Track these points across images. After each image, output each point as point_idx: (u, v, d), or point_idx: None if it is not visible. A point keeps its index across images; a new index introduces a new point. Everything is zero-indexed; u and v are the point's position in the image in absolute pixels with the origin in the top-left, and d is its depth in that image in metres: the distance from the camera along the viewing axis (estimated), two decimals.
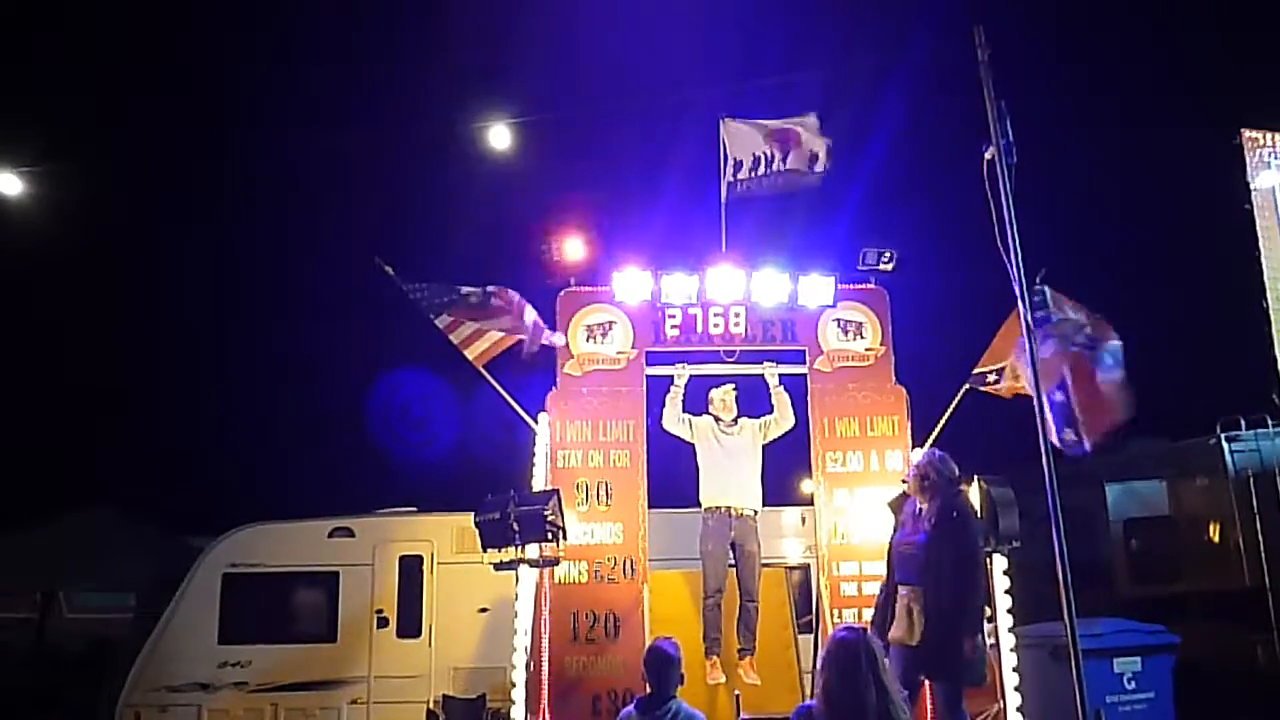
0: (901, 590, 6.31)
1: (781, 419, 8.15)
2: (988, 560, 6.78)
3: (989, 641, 6.67)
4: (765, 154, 8.65)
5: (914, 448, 8.09)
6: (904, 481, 6.64)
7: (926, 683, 6.53)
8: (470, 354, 8.07)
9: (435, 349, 8.03)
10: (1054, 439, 6.94)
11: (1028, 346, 6.29)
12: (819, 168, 8.55)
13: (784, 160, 8.54)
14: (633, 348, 8.42)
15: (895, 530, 6.65)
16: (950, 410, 8.15)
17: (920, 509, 6.39)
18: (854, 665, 3.93)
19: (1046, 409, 6.12)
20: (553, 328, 8.33)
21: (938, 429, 8.11)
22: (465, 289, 7.93)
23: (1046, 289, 7.78)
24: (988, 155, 6.45)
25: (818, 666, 4.08)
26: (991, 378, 8.14)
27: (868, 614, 7.56)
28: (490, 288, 7.97)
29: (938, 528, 6.20)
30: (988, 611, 6.71)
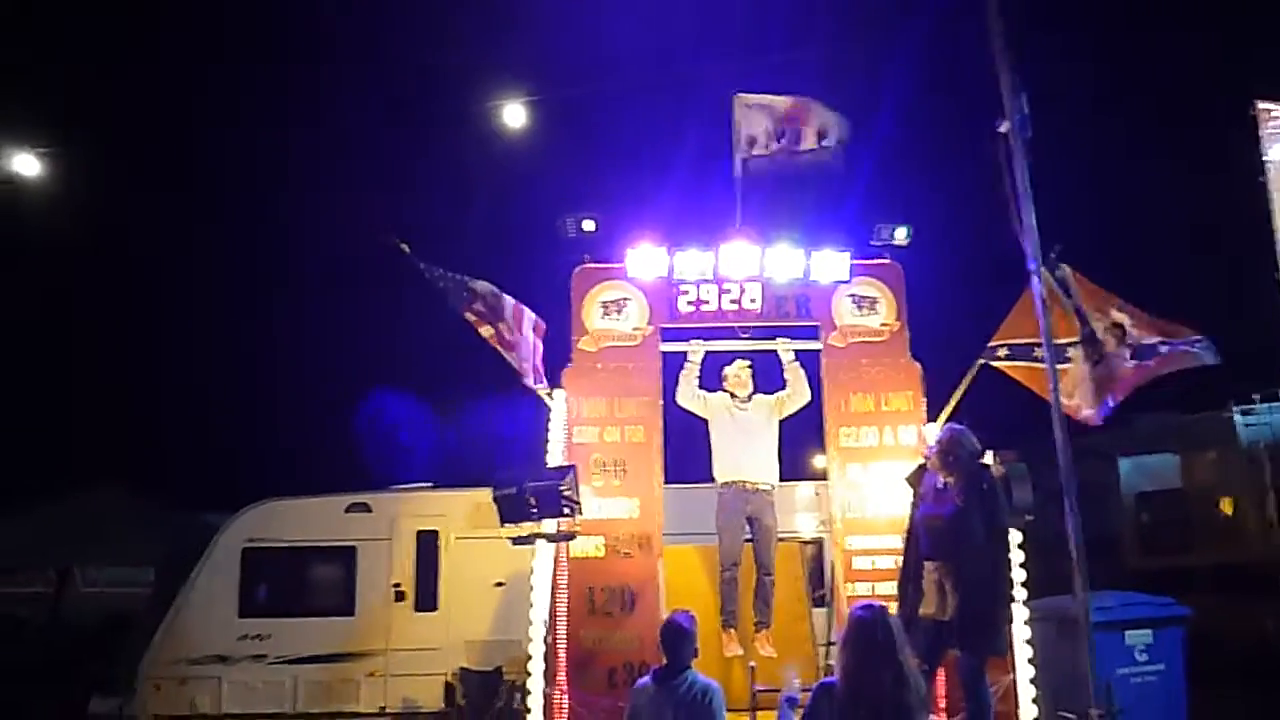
0: (929, 565, 6.31)
1: (796, 394, 8.17)
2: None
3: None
4: (779, 131, 8.61)
5: (928, 423, 8.11)
6: (926, 456, 6.63)
7: (947, 656, 6.54)
8: (484, 333, 8.08)
9: (451, 323, 8.04)
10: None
11: (1041, 322, 6.31)
12: (830, 142, 8.51)
13: (798, 140, 8.50)
14: (648, 324, 8.43)
15: (915, 505, 6.65)
16: (964, 386, 8.15)
17: (944, 483, 6.39)
18: (872, 645, 3.98)
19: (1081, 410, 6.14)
20: (566, 304, 8.35)
21: (952, 404, 8.11)
22: (480, 285, 7.90)
23: (1066, 269, 7.77)
24: (1002, 129, 6.44)
25: (838, 646, 4.12)
26: (1003, 352, 8.14)
27: (881, 587, 7.62)
28: (509, 303, 7.96)
29: (967, 501, 6.21)
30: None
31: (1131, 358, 7.60)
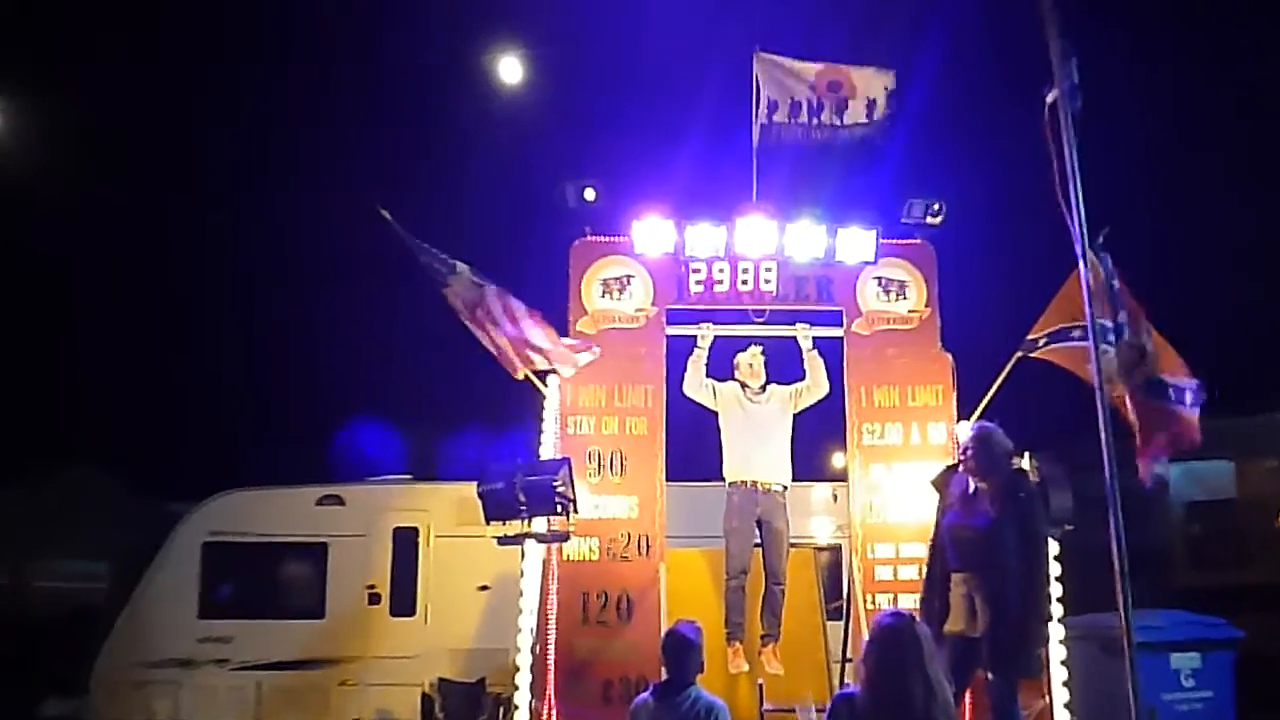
0: (958, 577, 6.29)
1: (814, 386, 8.16)
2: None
3: None
4: (810, 101, 8.56)
5: (959, 421, 8.09)
6: (961, 459, 6.57)
7: (976, 677, 6.53)
8: (464, 317, 8.02)
9: (434, 302, 8.02)
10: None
11: (1088, 311, 6.27)
12: (878, 115, 8.45)
13: (837, 113, 8.44)
14: (652, 305, 8.41)
15: (943, 512, 6.62)
16: (1000, 380, 8.12)
17: (974, 488, 6.37)
18: (900, 654, 3.97)
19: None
20: (563, 281, 8.33)
21: (986, 399, 8.09)
22: (462, 271, 7.83)
23: (1109, 258, 7.72)
24: (1049, 99, 6.39)
25: (861, 654, 4.11)
26: (1043, 341, 8.11)
27: (904, 600, 7.63)
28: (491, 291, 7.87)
29: (1000, 508, 6.19)
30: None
31: (1172, 400, 7.54)
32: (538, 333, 7.86)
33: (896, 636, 4.03)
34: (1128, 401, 7.36)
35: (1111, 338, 7.48)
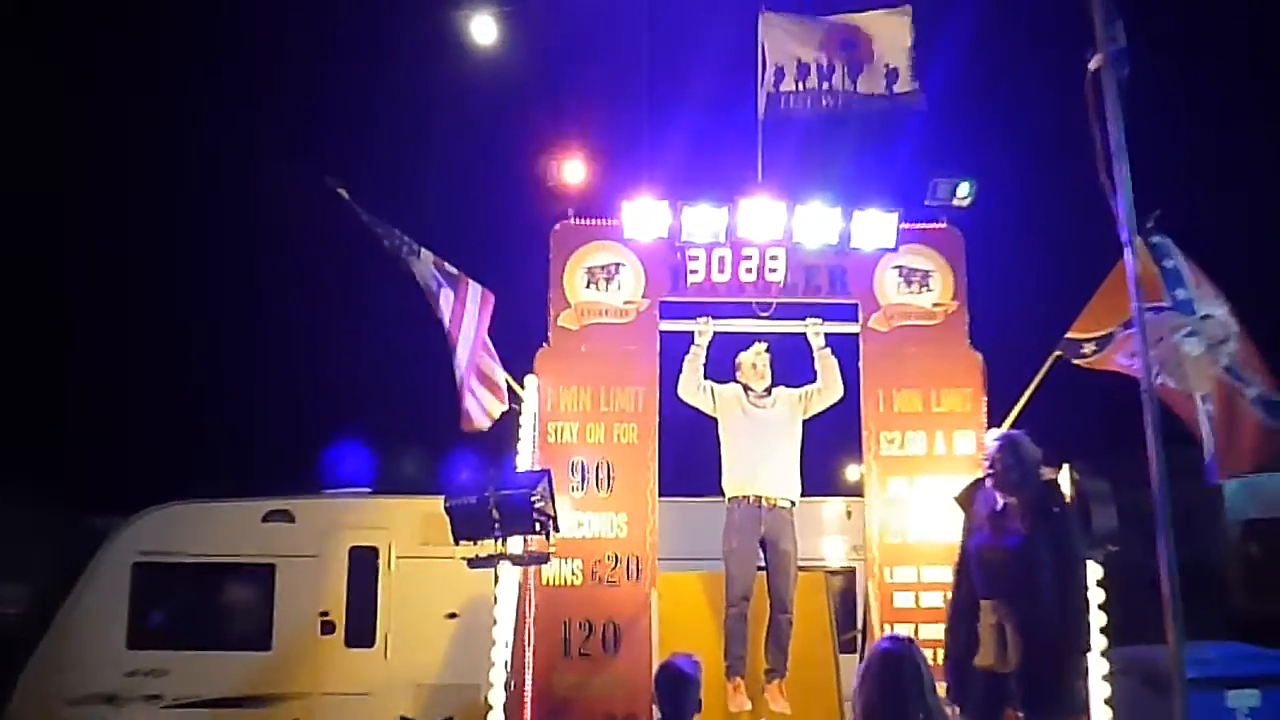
0: (987, 605, 6.31)
1: (826, 389, 8.18)
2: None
3: None
4: (819, 63, 8.58)
5: (989, 428, 8.12)
6: (987, 471, 6.58)
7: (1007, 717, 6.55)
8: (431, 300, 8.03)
9: (396, 291, 8.02)
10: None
11: (1134, 304, 6.30)
12: (901, 86, 8.47)
13: (850, 77, 8.46)
14: (644, 296, 8.44)
15: (969, 532, 6.64)
16: (1036, 382, 8.15)
17: (1003, 504, 6.39)
18: (900, 684, 4.01)
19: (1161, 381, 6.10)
20: (543, 269, 8.34)
21: (1020, 405, 8.13)
22: (418, 269, 7.82)
23: (1170, 243, 7.75)
24: (1093, 65, 6.41)
25: (855, 682, 4.16)
26: (1089, 347, 8.13)
27: (926, 630, 7.65)
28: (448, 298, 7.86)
29: (1032, 526, 6.21)
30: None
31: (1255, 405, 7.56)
32: (489, 362, 7.89)
33: (896, 664, 4.07)
34: (1211, 397, 7.38)
35: (1193, 310, 7.51)
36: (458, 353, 7.73)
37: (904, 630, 7.85)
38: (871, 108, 8.58)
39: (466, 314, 7.86)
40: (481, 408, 7.88)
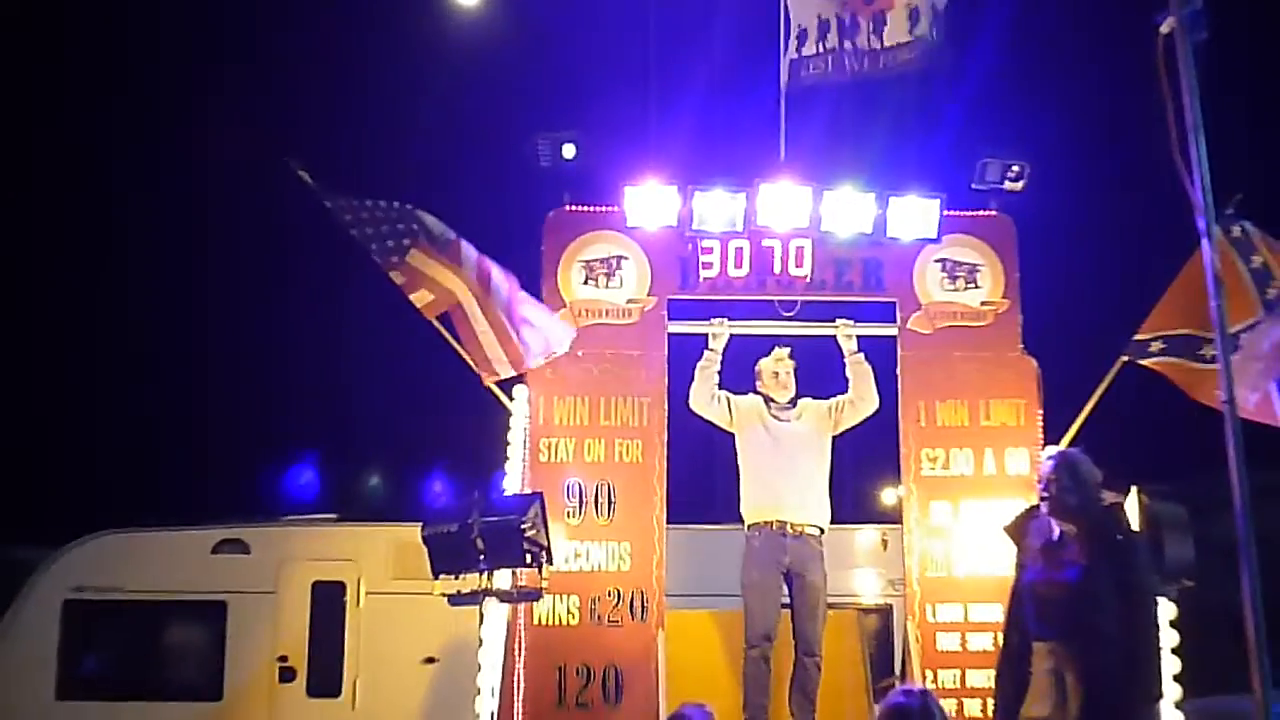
0: (1042, 648, 6.30)
1: (859, 400, 8.17)
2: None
3: None
4: (840, 19, 8.59)
5: (1045, 445, 8.11)
6: (1041, 495, 6.56)
7: None
8: (418, 301, 8.05)
9: (364, 290, 8.04)
10: None
11: (1213, 302, 6.29)
12: (920, 31, 8.47)
13: (875, 31, 8.47)
14: (650, 294, 8.46)
15: (1022, 566, 6.62)
16: (1099, 393, 8.15)
17: (1059, 532, 6.38)
18: None
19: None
20: (535, 262, 8.35)
21: (1081, 418, 8.12)
22: (429, 219, 7.89)
23: (1249, 227, 7.75)
24: (1164, 29, 6.41)
25: None
26: (1156, 345, 8.13)
27: (973, 677, 7.66)
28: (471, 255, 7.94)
29: (1093, 558, 6.20)
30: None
31: None
32: (528, 306, 7.95)
33: (905, 717, 4.09)
34: None
35: (1241, 340, 7.52)
36: (494, 283, 7.80)
37: (947, 677, 7.86)
38: (898, 61, 8.56)
39: (492, 265, 7.93)
40: (545, 339, 8.03)
